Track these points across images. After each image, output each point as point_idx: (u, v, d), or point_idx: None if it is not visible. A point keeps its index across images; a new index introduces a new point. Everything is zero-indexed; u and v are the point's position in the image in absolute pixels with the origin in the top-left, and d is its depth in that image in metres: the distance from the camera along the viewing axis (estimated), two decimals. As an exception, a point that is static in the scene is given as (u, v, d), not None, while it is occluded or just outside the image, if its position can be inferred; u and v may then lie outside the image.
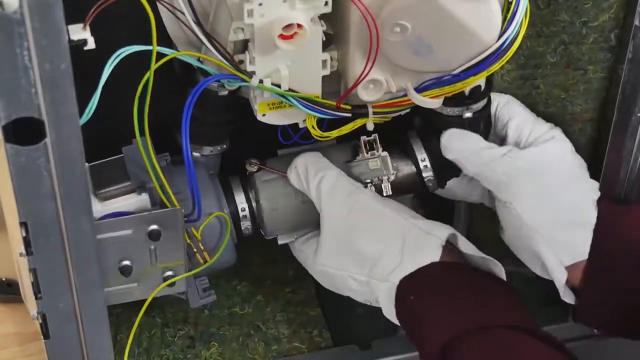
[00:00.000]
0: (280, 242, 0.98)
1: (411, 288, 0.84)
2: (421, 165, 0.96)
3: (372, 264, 0.87)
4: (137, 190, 0.87)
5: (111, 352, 0.85)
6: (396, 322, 0.87)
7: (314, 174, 0.92)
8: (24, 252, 0.76)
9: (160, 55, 0.80)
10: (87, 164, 0.87)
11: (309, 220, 0.96)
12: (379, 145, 0.95)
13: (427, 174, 0.96)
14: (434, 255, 0.85)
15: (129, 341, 0.91)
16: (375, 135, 0.95)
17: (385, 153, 0.95)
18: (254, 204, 0.96)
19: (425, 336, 0.81)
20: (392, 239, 0.87)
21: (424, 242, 0.86)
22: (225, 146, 0.96)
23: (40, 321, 0.81)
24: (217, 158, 0.97)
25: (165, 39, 0.87)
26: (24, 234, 0.75)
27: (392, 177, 0.95)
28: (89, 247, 0.77)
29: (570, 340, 1.06)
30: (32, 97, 0.66)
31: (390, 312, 0.87)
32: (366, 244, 0.88)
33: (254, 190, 0.96)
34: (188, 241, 0.91)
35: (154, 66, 0.79)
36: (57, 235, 0.75)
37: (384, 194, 0.95)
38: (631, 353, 1.03)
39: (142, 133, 0.83)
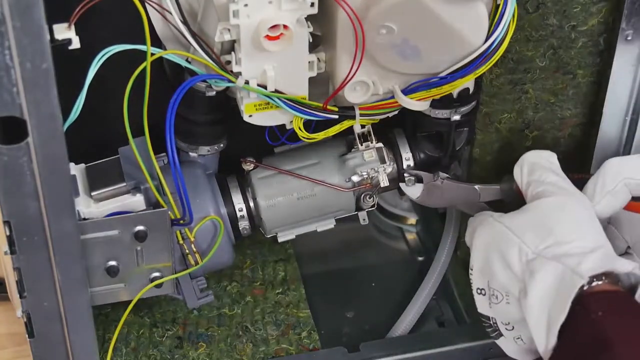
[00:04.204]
0: (280, 239, 0.98)
1: (598, 304, 0.76)
2: (404, 163, 0.96)
3: (556, 243, 0.81)
4: (132, 192, 0.87)
5: (96, 352, 0.86)
6: (535, 314, 0.79)
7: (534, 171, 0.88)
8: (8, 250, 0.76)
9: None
10: (84, 165, 0.88)
11: (308, 215, 0.96)
12: (373, 137, 0.95)
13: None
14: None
15: (113, 340, 0.91)
16: (369, 127, 0.94)
17: (380, 144, 0.95)
18: (251, 203, 0.96)
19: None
20: (593, 237, 0.82)
21: (618, 260, 0.80)
22: (222, 145, 0.96)
23: (25, 320, 0.81)
24: (214, 158, 0.97)
25: (156, 39, 0.87)
26: (7, 233, 0.75)
27: (390, 169, 0.95)
28: (73, 247, 0.77)
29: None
30: (14, 97, 0.66)
31: (538, 299, 0.79)
32: (563, 225, 0.82)
33: (251, 188, 0.96)
34: (181, 242, 0.91)
35: (149, 64, 0.79)
36: (41, 235, 0.75)
37: (382, 185, 0.95)
38: None
39: (142, 133, 0.83)
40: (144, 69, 0.79)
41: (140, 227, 0.85)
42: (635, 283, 0.80)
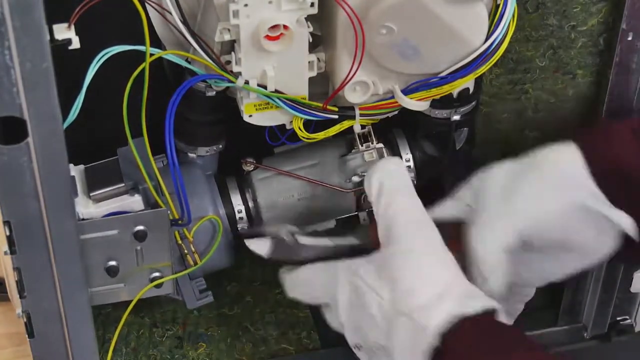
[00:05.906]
0: None
1: (461, 345, 0.75)
2: (404, 164, 0.96)
3: (404, 294, 0.79)
4: (131, 192, 0.87)
5: (96, 352, 0.86)
6: None
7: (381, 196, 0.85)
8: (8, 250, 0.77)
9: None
10: (82, 166, 0.88)
11: (308, 217, 0.96)
12: (373, 138, 0.95)
13: (409, 175, 0.96)
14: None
15: (113, 340, 0.92)
16: (369, 127, 0.94)
17: (381, 145, 0.95)
18: (251, 204, 0.96)
19: None
20: (438, 277, 0.79)
21: (467, 301, 0.78)
22: (221, 146, 0.96)
23: (25, 320, 0.81)
24: (213, 158, 0.97)
25: (155, 40, 0.87)
26: (7, 233, 0.75)
27: None
28: (73, 247, 0.78)
29: (557, 345, 1.06)
30: (14, 97, 0.66)
31: (400, 357, 0.78)
32: (407, 272, 0.80)
33: (251, 189, 0.96)
34: (180, 242, 0.91)
35: (147, 64, 0.79)
36: (41, 235, 0.75)
37: None
38: (616, 357, 1.03)
39: (140, 134, 0.83)
40: (144, 69, 0.79)
41: (140, 227, 0.85)
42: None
